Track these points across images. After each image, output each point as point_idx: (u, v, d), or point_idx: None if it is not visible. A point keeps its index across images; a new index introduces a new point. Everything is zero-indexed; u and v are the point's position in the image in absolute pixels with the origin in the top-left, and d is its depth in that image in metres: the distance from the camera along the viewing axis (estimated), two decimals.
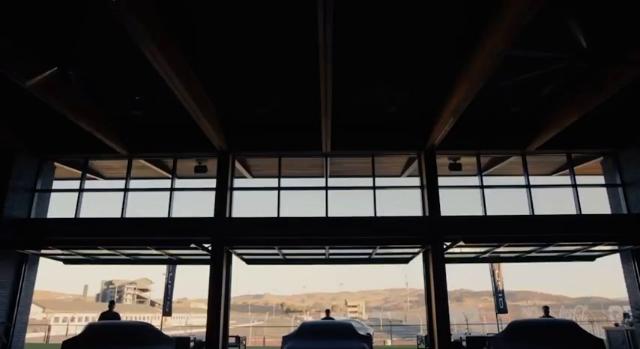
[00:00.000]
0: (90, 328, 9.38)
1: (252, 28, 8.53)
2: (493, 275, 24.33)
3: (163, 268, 21.13)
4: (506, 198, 13.95)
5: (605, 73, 9.24)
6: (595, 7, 7.85)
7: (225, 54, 9.46)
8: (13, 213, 12.16)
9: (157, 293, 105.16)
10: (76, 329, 36.12)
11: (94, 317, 47.79)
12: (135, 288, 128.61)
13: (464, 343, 17.67)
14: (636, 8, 7.86)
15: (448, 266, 12.09)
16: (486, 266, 23.67)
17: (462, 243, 11.71)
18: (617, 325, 14.53)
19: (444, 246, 12.23)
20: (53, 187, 13.65)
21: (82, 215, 13.00)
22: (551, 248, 12.82)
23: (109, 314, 11.83)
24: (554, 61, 8.03)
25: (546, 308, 13.02)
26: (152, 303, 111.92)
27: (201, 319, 55.92)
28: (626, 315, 12.94)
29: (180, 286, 54.77)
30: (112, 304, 12.36)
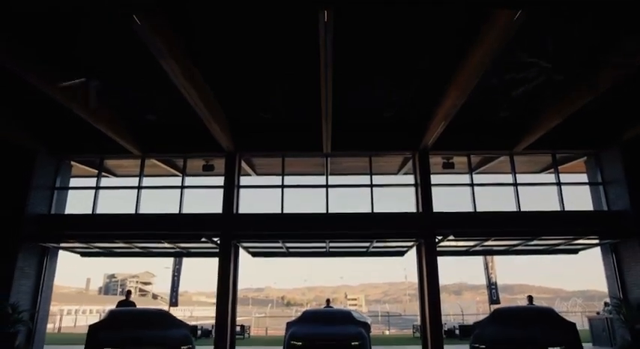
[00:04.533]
0: (112, 313, 10.33)
1: (257, 34, 9.25)
2: (487, 268, 25.35)
3: (165, 262, 22.21)
4: (495, 195, 14.84)
5: (580, 85, 10.11)
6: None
7: (231, 59, 10.23)
8: (35, 210, 13.06)
9: (159, 287, 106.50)
10: (87, 320, 37.10)
11: (97, 309, 48.85)
12: (137, 281, 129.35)
13: (457, 331, 18.83)
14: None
15: (448, 260, 13.25)
16: (483, 260, 24.70)
17: (452, 237, 12.64)
18: (598, 314, 15.53)
19: (436, 240, 13.15)
20: (69, 185, 14.56)
21: (95, 211, 13.91)
22: (536, 242, 13.76)
23: (126, 303, 12.78)
24: (534, 76, 8.90)
25: (530, 298, 13.98)
26: (154, 296, 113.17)
27: (205, 311, 57.13)
28: (606, 304, 13.86)
29: (182, 280, 55.68)
30: (128, 293, 13.32)
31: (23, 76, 9.18)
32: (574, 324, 9.27)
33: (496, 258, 23.97)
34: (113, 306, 12.66)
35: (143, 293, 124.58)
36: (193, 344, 9.23)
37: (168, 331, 9.47)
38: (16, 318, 11.39)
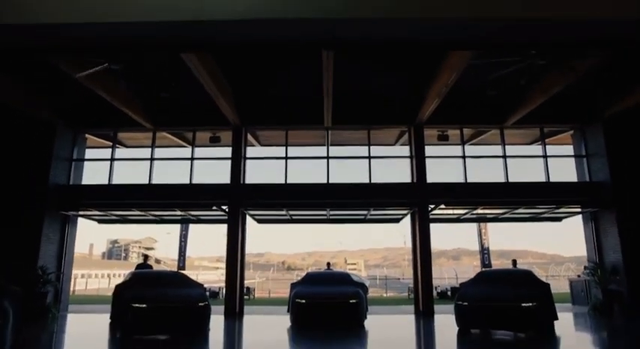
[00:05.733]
0: (134, 275, 11.43)
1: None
2: (480, 234, 26.57)
3: (167, 227, 23.36)
4: (486, 167, 15.77)
5: (562, 68, 10.84)
6: None
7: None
8: (56, 180, 14.01)
9: (161, 252, 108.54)
10: (99, 283, 38.72)
11: (103, 273, 50.64)
12: (140, 247, 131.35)
13: (448, 293, 20.13)
14: None
15: (447, 227, 14.48)
16: (477, 227, 25.91)
17: (443, 206, 13.67)
18: (579, 276, 16.78)
19: (429, 208, 14.17)
20: (85, 157, 15.48)
21: (110, 181, 14.86)
22: (522, 210, 14.81)
23: (144, 266, 13.92)
24: (518, 60, 9.69)
25: (514, 261, 15.13)
26: (157, 261, 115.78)
27: (208, 275, 59.15)
28: (585, 268, 15.01)
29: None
30: (146, 257, 14.49)
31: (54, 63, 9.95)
32: (548, 285, 10.35)
33: (497, 225, 25.32)
34: (119, 270, 13.78)
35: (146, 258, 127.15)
36: (209, 301, 10.31)
37: (185, 290, 10.52)
38: (46, 279, 12.55)
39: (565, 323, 11.28)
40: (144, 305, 9.21)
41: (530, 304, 9.12)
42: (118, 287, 10.83)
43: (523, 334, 9.23)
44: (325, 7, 6.64)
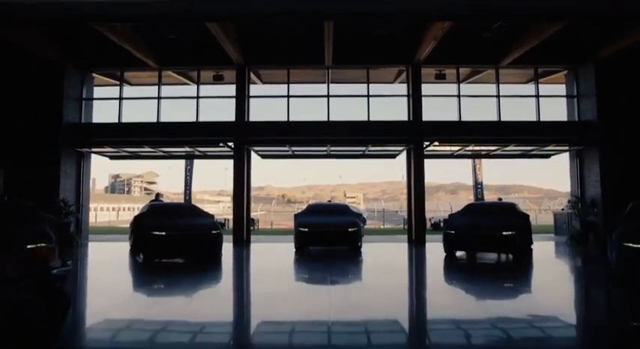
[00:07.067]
0: (152, 206, 12.47)
1: None
2: (474, 170, 27.56)
3: (168, 162, 24.20)
4: (481, 106, 16.37)
5: None
6: None
7: None
8: (68, 119, 14.67)
9: (163, 186, 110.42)
10: (109, 216, 40.23)
11: (109, 207, 52.23)
12: (142, 181, 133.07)
13: (441, 224, 21.41)
14: None
15: (446, 162, 15.02)
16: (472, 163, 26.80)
17: (437, 143, 14.47)
18: (562, 210, 17.93)
19: (424, 145, 14.96)
20: (93, 96, 16.04)
21: (120, 119, 15.53)
22: (512, 147, 15.63)
23: (157, 201, 14.91)
24: None
25: (499, 199, 16.15)
26: (160, 194, 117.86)
27: (211, 209, 60.99)
28: (569, 202, 16.05)
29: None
30: (157, 195, 15.53)
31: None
32: (528, 215, 11.43)
33: (495, 161, 26.09)
34: (126, 204, 14.84)
35: (148, 192, 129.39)
36: (220, 229, 11.35)
37: (198, 219, 11.58)
38: (68, 211, 13.59)
39: (542, 249, 12.46)
40: (163, 233, 10.27)
41: (510, 232, 10.16)
42: (136, 217, 11.88)
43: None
44: None
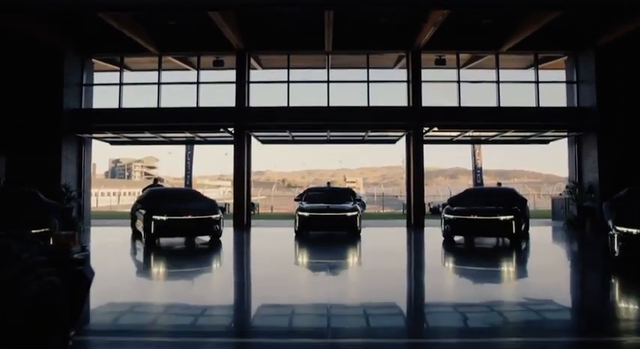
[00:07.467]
0: (151, 191, 12.59)
1: None
2: (474, 155, 27.66)
3: (168, 147, 24.30)
4: (481, 91, 16.40)
5: None
6: None
7: None
8: (69, 105, 14.68)
9: (163, 171, 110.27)
10: (111, 201, 40.44)
11: (109, 191, 52.35)
12: (142, 166, 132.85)
13: (440, 209, 21.55)
14: None
15: (446, 148, 15.16)
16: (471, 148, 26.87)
17: (436, 129, 14.53)
18: (560, 195, 18.07)
19: (423, 131, 15.02)
20: (93, 81, 16.04)
21: (120, 105, 15.55)
22: (511, 133, 15.69)
23: (156, 186, 15.00)
24: None
25: (499, 184, 16.29)
26: (160, 179, 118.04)
27: (212, 193, 61.16)
28: (567, 187, 16.17)
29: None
30: (156, 180, 15.64)
31: None
32: (526, 200, 11.58)
33: (496, 146, 26.11)
34: (127, 189, 15.01)
35: (149, 176, 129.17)
36: (220, 213, 11.45)
37: (199, 203, 11.69)
38: (69, 196, 13.70)
39: (539, 234, 12.61)
40: (164, 217, 10.38)
41: (508, 217, 10.28)
42: (138, 202, 12.00)
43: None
44: None
